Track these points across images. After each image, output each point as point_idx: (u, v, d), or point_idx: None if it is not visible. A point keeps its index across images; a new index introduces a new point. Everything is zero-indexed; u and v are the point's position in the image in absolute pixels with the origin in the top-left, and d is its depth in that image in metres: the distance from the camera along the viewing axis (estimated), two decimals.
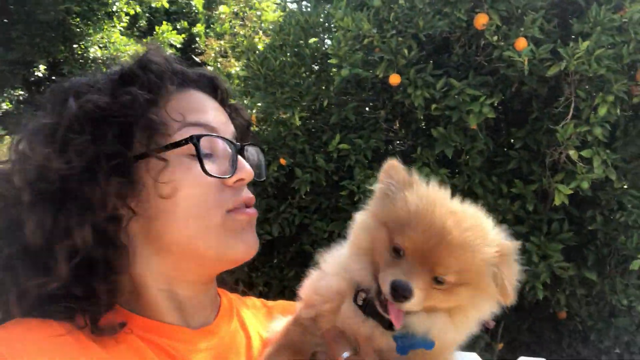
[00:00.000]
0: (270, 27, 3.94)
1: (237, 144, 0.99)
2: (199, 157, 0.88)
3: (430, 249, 0.80)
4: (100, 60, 10.75)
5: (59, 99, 0.88)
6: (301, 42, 3.19)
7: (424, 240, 0.81)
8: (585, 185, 2.67)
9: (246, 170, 0.96)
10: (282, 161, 3.66)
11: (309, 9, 3.30)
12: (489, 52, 2.94)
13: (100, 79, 0.92)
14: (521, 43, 2.60)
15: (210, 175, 0.89)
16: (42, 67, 10.35)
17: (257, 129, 3.88)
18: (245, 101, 4.13)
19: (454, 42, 3.19)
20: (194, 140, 0.88)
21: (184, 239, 0.88)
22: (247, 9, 5.85)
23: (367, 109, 3.68)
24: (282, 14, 4.77)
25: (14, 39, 9.97)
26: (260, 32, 5.16)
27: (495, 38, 2.75)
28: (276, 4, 5.06)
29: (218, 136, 0.94)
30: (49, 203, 0.81)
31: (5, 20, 10.20)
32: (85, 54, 10.65)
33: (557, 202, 2.82)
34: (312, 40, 3.27)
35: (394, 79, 2.86)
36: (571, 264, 3.16)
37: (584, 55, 2.42)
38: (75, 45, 10.59)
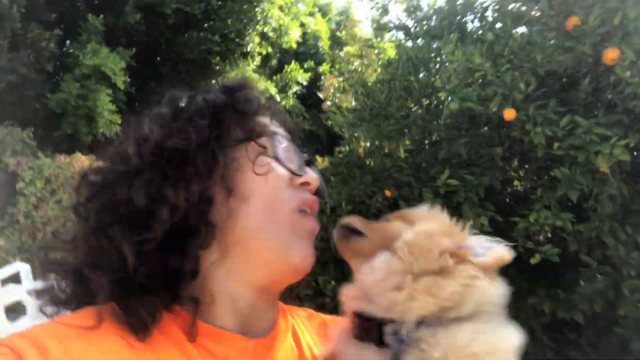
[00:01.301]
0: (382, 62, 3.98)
1: (305, 155, 1.02)
2: (276, 153, 0.94)
3: None
4: None
5: (173, 98, 0.99)
6: (410, 77, 3.17)
7: None
8: None
9: (313, 176, 0.97)
10: (387, 192, 3.61)
11: (421, 43, 3.27)
12: (622, 89, 2.64)
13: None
14: None
15: (285, 167, 0.93)
16: (184, 99, 11.54)
17: (362, 160, 3.90)
18: (354, 134, 4.19)
19: (581, 79, 2.94)
20: (271, 136, 0.95)
21: (253, 231, 0.88)
22: (366, 48, 6.01)
23: (481, 145, 3.50)
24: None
25: (163, 75, 11.31)
26: (378, 69, 5.25)
27: (629, 74, 2.47)
28: (391, 41, 5.13)
29: (288, 140, 0.99)
30: (157, 171, 0.86)
31: (158, 59, 11.63)
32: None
33: None
34: (421, 75, 3.23)
35: (509, 114, 2.69)
36: None
37: None
38: (213, 81, 11.69)
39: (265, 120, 1.00)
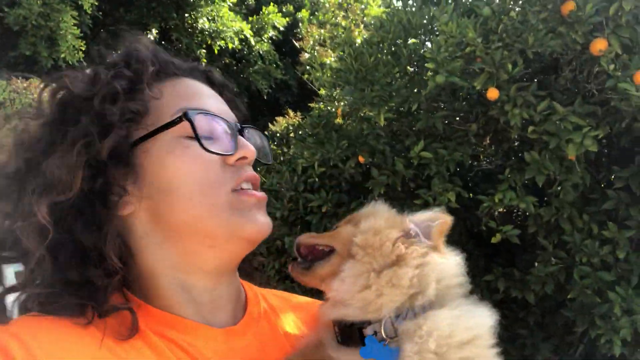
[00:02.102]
0: (372, 22, 3.85)
1: (237, 124, 0.96)
2: (195, 132, 0.85)
3: None
4: (206, 32, 11.23)
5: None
6: (400, 41, 3.08)
7: None
8: None
9: (248, 148, 0.92)
10: (361, 159, 3.59)
11: (413, 9, 3.16)
12: (602, 80, 2.66)
13: (88, 71, 0.92)
14: None
15: (210, 152, 0.86)
16: (154, 31, 10.97)
17: (340, 122, 3.84)
18: (333, 94, 4.10)
19: (564, 65, 2.93)
20: (187, 116, 0.85)
21: (192, 219, 0.85)
22: (352, 0, 5.80)
23: (457, 119, 3.50)
24: (386, 10, 4.66)
25: (134, 2, 10.67)
26: (362, 26, 5.09)
27: (612, 67, 2.48)
28: None
29: (213, 114, 0.90)
30: (20, 182, 0.82)
31: None
32: (194, 24, 11.17)
33: None
34: (411, 41, 3.14)
35: (492, 93, 2.68)
36: None
37: None
38: (186, 15, 11.13)
39: (179, 85, 0.93)
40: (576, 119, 2.60)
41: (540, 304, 3.68)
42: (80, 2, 9.50)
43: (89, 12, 9.74)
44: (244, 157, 0.91)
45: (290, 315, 1.07)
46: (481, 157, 3.85)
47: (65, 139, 0.81)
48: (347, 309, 0.86)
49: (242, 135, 0.95)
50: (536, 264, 3.30)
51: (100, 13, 10.23)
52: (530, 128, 2.86)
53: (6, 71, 8.76)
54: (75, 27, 9.55)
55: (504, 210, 3.53)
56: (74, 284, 0.78)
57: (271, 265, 4.03)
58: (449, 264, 0.90)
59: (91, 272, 0.79)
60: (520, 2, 2.57)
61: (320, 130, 3.57)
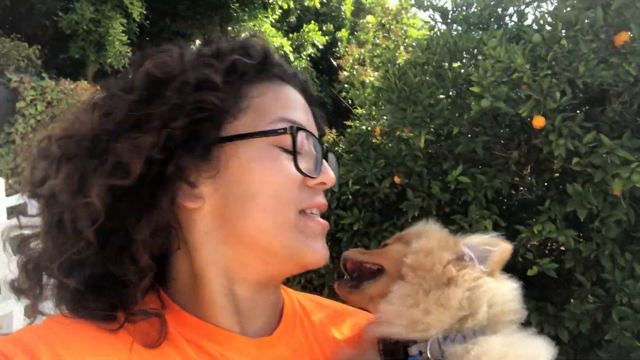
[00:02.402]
0: (414, 43, 3.84)
1: (324, 147, 0.94)
2: (294, 149, 0.83)
3: None
4: None
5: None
6: (444, 64, 3.06)
7: None
8: None
9: (330, 175, 0.89)
10: (397, 179, 3.56)
11: (460, 32, 3.15)
12: None
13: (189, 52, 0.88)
14: None
15: (300, 172, 0.83)
16: (197, 42, 11.25)
17: (378, 141, 3.82)
18: (372, 112, 4.09)
19: (614, 97, 2.86)
20: (294, 131, 0.83)
21: (257, 231, 0.82)
22: (394, 22, 5.83)
23: (498, 146, 3.44)
24: (426, 33, 4.65)
25: (180, 13, 11.00)
26: (402, 47, 5.10)
27: None
28: (424, 21, 4.97)
29: (312, 134, 0.88)
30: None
31: None
32: (236, 38, 11.40)
33: None
34: (456, 64, 3.12)
35: (538, 122, 2.62)
36: None
37: None
38: (229, 28, 11.40)
39: (284, 93, 0.89)
40: (624, 153, 2.52)
41: (573, 342, 3.54)
42: (130, 11, 9.84)
43: (137, 20, 10.08)
44: (323, 183, 0.89)
45: (324, 320, 1.04)
46: (520, 186, 3.76)
47: (150, 118, 0.78)
48: (393, 326, 0.84)
49: (326, 159, 0.93)
50: (572, 300, 3.17)
51: (147, 22, 10.57)
52: (575, 160, 2.78)
53: (55, 72, 9.13)
54: (124, 34, 9.89)
55: (540, 243, 3.43)
56: (109, 280, 0.77)
57: (297, 280, 4.01)
58: (504, 289, 0.87)
59: (126, 267, 0.77)
60: (572, 31, 2.52)
61: (357, 147, 3.56)
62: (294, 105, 0.89)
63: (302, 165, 0.84)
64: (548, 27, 2.75)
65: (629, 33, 2.46)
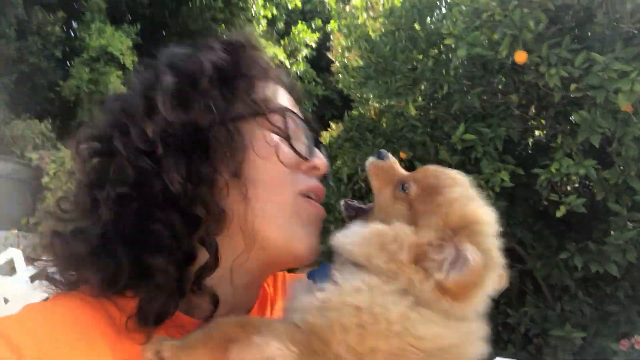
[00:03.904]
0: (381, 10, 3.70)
1: (314, 133, 0.94)
2: (286, 128, 0.85)
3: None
4: None
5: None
6: (415, 25, 2.94)
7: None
8: None
9: (322, 160, 0.91)
10: (402, 154, 3.45)
11: None
12: (639, 18, 2.39)
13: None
14: None
15: (296, 151, 0.85)
16: None
17: (374, 119, 3.73)
18: (364, 94, 4.00)
19: (597, 9, 2.68)
20: (284, 112, 0.86)
21: (257, 215, 0.82)
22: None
23: (495, 94, 3.29)
24: None
25: (169, 45, 11.19)
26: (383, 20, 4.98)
27: None
28: None
29: (303, 119, 0.91)
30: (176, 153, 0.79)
31: (164, 33, 11.49)
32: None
33: None
34: (427, 22, 3.00)
35: (519, 57, 2.48)
36: None
37: None
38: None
39: (273, 88, 0.91)
40: (620, 65, 2.35)
41: (628, 275, 3.34)
42: (122, 62, 10.06)
43: (131, 68, 10.29)
44: (316, 168, 0.90)
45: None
46: (532, 129, 3.59)
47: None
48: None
49: (318, 148, 0.95)
50: (612, 232, 2.99)
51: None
52: (573, 86, 2.62)
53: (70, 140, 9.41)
54: (123, 85, 10.12)
55: (565, 180, 3.25)
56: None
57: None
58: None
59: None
60: None
61: (354, 133, 3.47)
62: (283, 99, 0.92)
63: (296, 147, 0.86)
64: None
65: None
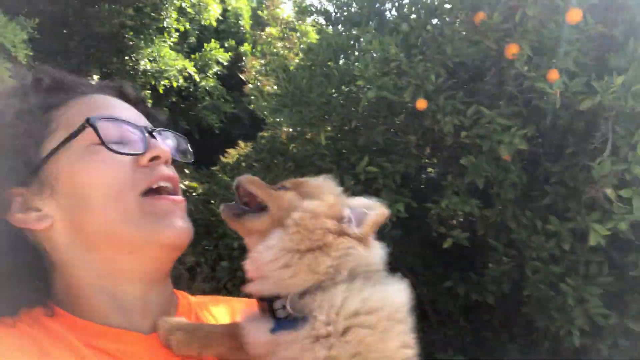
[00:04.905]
0: (302, 47, 3.93)
1: (146, 127, 0.96)
2: (99, 136, 0.86)
3: None
4: (149, 73, 11.12)
5: None
6: (330, 63, 3.16)
7: None
8: (623, 226, 2.47)
9: (160, 148, 0.92)
10: None
11: (341, 31, 3.26)
12: (520, 82, 2.81)
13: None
14: (553, 75, 2.47)
15: (117, 152, 0.87)
16: (95, 77, 10.80)
17: (285, 142, 3.86)
18: (277, 119, 4.13)
19: (486, 71, 3.08)
20: (90, 121, 0.86)
21: (106, 226, 0.85)
22: (287, 30, 5.91)
23: (397, 133, 3.59)
24: (318, 36, 4.77)
25: (71, 49, 10.49)
26: (299, 52, 5.19)
27: (526, 68, 2.62)
28: (312, 26, 5.08)
29: (118, 119, 0.91)
30: None
31: (65, 32, 10.77)
32: (135, 66, 11.04)
33: (592, 242, 2.62)
34: (341, 62, 3.23)
35: (420, 104, 2.78)
36: (613, 312, 2.90)
37: (620, 89, 2.27)
38: (127, 57, 11.01)
39: (88, 101, 0.94)
40: (503, 120, 2.72)
41: (501, 304, 3.74)
42: (14, 54, 9.26)
43: (24, 62, 9.51)
44: (157, 157, 0.91)
45: (212, 310, 1.07)
46: (426, 168, 3.95)
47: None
48: (264, 284, 0.88)
49: (154, 138, 0.95)
50: (490, 264, 3.37)
51: (37, 63, 10.00)
52: (464, 133, 2.96)
53: None
54: (12, 79, 9.30)
55: (452, 215, 3.61)
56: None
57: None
58: (369, 256, 0.91)
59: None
60: (434, 16, 2.69)
61: (265, 155, 3.58)
62: (102, 107, 0.93)
63: (125, 149, 0.88)
64: (413, 16, 2.92)
65: (483, 12, 2.66)
